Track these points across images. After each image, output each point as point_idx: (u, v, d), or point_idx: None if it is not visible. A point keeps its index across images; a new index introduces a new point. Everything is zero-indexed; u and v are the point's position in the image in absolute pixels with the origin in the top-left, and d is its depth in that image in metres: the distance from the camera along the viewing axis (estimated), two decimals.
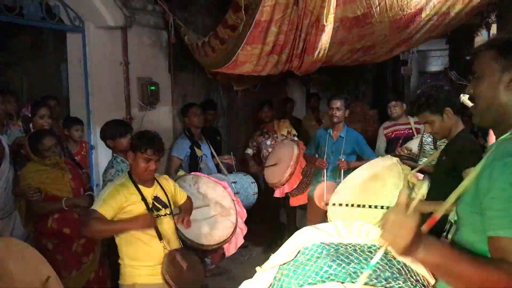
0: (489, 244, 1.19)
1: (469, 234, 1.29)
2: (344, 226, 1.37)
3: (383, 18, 3.67)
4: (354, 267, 1.23)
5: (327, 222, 3.08)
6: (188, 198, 3.24)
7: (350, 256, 1.25)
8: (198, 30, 5.06)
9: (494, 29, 6.47)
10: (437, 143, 3.89)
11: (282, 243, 1.57)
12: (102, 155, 4.34)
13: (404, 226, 1.13)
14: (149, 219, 2.77)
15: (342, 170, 4.04)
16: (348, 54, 4.40)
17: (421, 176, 3.15)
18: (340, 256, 1.25)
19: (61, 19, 4.19)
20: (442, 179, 2.68)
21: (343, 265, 1.23)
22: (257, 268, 1.36)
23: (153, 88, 4.77)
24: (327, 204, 3.85)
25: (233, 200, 3.65)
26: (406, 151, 4.18)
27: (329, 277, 1.21)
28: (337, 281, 1.19)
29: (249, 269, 1.50)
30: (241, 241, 3.58)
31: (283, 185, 4.88)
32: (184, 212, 3.12)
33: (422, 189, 1.17)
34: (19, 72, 6.18)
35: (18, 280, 1.83)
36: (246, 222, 3.72)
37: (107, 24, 4.30)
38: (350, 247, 1.29)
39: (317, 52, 3.94)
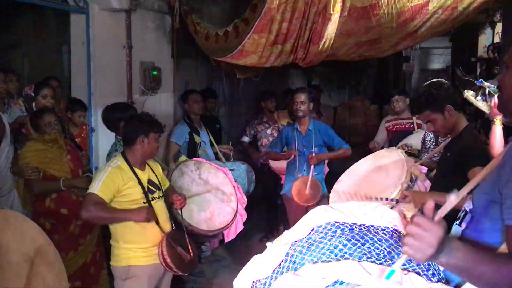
0: (507, 234, 1.17)
1: (485, 223, 1.27)
2: (359, 207, 1.36)
3: (391, 9, 3.64)
4: (369, 247, 1.21)
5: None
6: (170, 185, 3.30)
7: (365, 236, 1.24)
8: (203, 18, 5.02)
9: (499, 27, 6.46)
10: (439, 139, 3.89)
11: (280, 232, 1.56)
12: (102, 138, 4.32)
13: (430, 236, 1.10)
14: (150, 214, 2.81)
15: (313, 165, 4.05)
16: (354, 48, 4.36)
17: (425, 169, 3.15)
18: (356, 235, 1.24)
19: (65, 0, 4.14)
20: (446, 175, 2.68)
21: (358, 244, 1.22)
22: (268, 244, 1.34)
23: (155, 73, 4.74)
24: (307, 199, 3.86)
25: (234, 187, 3.64)
26: (406, 148, 4.19)
27: (344, 255, 1.20)
28: (353, 259, 1.17)
29: (245, 257, 1.48)
30: (240, 227, 3.58)
31: None
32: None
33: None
34: (20, 53, 6.12)
35: (14, 250, 1.82)
36: (246, 210, 3.72)
37: (112, 6, 4.25)
38: (364, 228, 1.28)
39: (322, 42, 3.91)
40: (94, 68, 4.32)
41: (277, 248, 1.29)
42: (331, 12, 3.60)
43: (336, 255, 1.19)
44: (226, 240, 3.60)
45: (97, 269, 3.54)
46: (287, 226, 5.40)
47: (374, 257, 1.19)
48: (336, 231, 1.25)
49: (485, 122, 3.72)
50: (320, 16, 3.72)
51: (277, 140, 4.56)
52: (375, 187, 3.05)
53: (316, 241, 1.24)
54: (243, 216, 3.60)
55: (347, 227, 1.27)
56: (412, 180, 3.01)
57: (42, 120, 3.37)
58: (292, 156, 4.25)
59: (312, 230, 1.29)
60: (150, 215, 2.81)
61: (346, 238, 1.22)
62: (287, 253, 1.26)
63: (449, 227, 1.31)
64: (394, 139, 4.70)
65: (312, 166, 4.06)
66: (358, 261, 1.16)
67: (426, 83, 2.90)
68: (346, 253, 1.19)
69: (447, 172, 2.71)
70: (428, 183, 2.99)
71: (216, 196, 3.50)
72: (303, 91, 4.28)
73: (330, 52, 4.28)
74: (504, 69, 1.36)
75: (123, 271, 2.86)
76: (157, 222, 2.88)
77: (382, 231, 1.26)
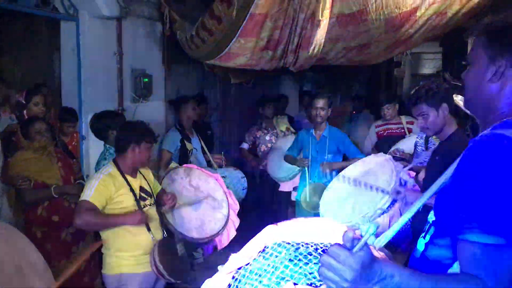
0: (458, 248, 1.10)
1: (445, 235, 1.19)
2: (310, 224, 1.32)
3: (379, 16, 3.68)
4: (312, 267, 1.16)
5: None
6: (162, 189, 3.32)
7: (309, 256, 1.19)
8: (194, 24, 5.03)
9: None
10: (429, 144, 3.91)
11: None
12: (93, 146, 4.31)
13: (344, 268, 1.01)
14: (142, 217, 2.81)
15: (328, 172, 4.01)
16: (343, 52, 4.40)
17: (413, 174, 3.17)
18: (299, 255, 1.19)
19: (56, 7, 4.14)
20: (435, 179, 2.69)
21: (301, 264, 1.16)
22: (219, 267, 1.31)
23: (146, 80, 4.75)
24: None
25: (225, 193, 3.64)
26: (398, 153, 4.21)
27: (284, 277, 1.15)
28: (292, 282, 1.13)
29: None
30: (233, 233, 3.57)
31: (291, 179, 4.88)
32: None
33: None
34: (11, 60, 6.09)
35: (6, 262, 1.80)
36: (240, 217, 3.71)
37: (102, 14, 4.27)
38: (311, 246, 1.21)
39: (312, 48, 3.94)
40: (85, 75, 4.33)
41: (224, 273, 1.27)
42: (320, 19, 3.64)
43: (276, 278, 1.15)
44: (219, 247, 3.59)
45: (91, 278, 3.52)
46: None
47: (315, 278, 1.14)
48: (281, 251, 1.21)
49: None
50: (309, 23, 3.75)
51: (293, 144, 4.52)
52: (365, 192, 3.07)
53: (260, 264, 1.21)
54: (235, 222, 3.60)
55: (293, 246, 1.23)
56: (401, 184, 3.03)
57: (32, 128, 3.37)
58: (304, 165, 4.22)
59: (260, 252, 1.27)
60: (143, 219, 2.82)
61: (289, 259, 1.18)
62: (234, 278, 1.24)
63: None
64: (384, 144, 4.73)
65: (327, 173, 4.01)
66: (295, 284, 1.13)
67: (427, 82, 2.91)
68: (287, 274, 1.16)
69: (436, 176, 2.72)
70: (417, 188, 3.01)
71: (207, 203, 3.50)
72: (322, 97, 4.19)
73: (319, 56, 4.31)
74: (468, 66, 1.31)
75: (115, 279, 2.86)
76: (149, 229, 2.89)
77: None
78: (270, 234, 1.30)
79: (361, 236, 1.04)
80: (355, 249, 1.02)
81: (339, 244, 1.04)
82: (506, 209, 1.03)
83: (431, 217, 1.30)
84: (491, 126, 1.21)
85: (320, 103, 4.13)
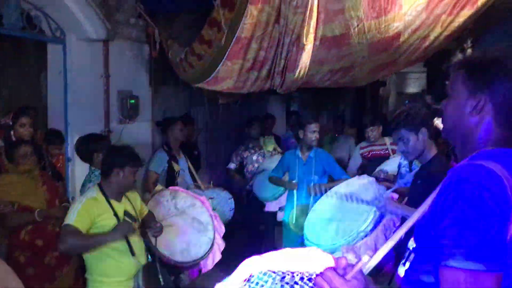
0: (441, 275, 1.11)
1: (425, 262, 1.20)
2: (295, 253, 1.33)
3: (361, 39, 3.76)
4: None
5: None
6: (149, 211, 3.28)
7: (295, 285, 1.18)
8: (183, 46, 5.08)
9: (469, 54, 6.67)
10: (412, 165, 3.96)
11: None
12: (78, 167, 4.29)
13: None
14: (128, 226, 2.79)
15: (317, 193, 4.04)
16: (328, 75, 4.47)
17: (396, 196, 3.20)
18: (285, 284, 1.19)
19: (42, 30, 4.17)
20: (417, 202, 2.73)
21: None
22: None
23: (133, 101, 4.76)
24: None
25: (211, 216, 3.64)
26: (382, 174, 4.26)
27: None
28: None
29: None
30: (218, 256, 3.56)
31: (277, 199, 4.90)
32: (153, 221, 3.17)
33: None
34: None
35: None
36: (227, 238, 3.71)
37: (89, 37, 4.30)
38: (297, 275, 1.24)
39: (298, 70, 4.00)
40: (71, 97, 4.34)
41: None
42: (305, 43, 3.70)
43: None
44: (204, 270, 3.58)
45: None
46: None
47: None
48: (268, 281, 1.22)
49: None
50: (294, 46, 3.82)
51: (278, 165, 4.53)
52: (348, 214, 3.10)
53: None
54: (220, 245, 3.59)
55: (279, 275, 1.24)
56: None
57: (17, 151, 3.34)
58: (292, 188, 4.23)
59: (245, 280, 1.27)
60: (127, 228, 2.79)
61: None
62: None
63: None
64: (369, 165, 4.77)
65: (312, 195, 4.06)
66: None
67: (405, 106, 2.97)
68: None
69: (418, 199, 2.76)
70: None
71: (193, 226, 3.50)
72: (317, 120, 4.31)
73: (306, 79, 4.38)
74: (447, 97, 1.34)
75: None
76: (133, 253, 2.86)
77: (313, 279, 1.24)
78: (256, 263, 1.30)
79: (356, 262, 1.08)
80: (348, 276, 1.06)
81: (333, 269, 1.08)
82: (484, 237, 1.06)
83: (411, 244, 1.34)
84: (469, 156, 1.25)
85: (315, 126, 4.19)
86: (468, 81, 1.25)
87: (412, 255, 1.31)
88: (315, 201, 4.04)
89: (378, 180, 3.88)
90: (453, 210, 1.10)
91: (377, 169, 4.43)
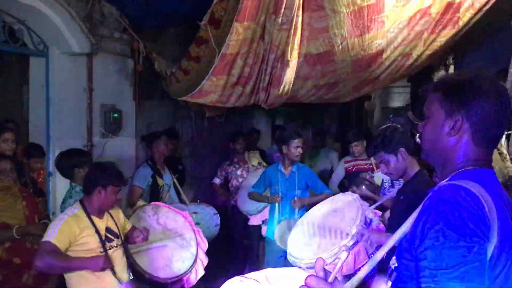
0: None
1: (407, 282, 1.22)
2: (274, 274, 1.34)
3: (345, 56, 3.79)
4: None
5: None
6: (132, 226, 3.26)
7: None
8: (166, 59, 5.08)
9: (452, 70, 6.78)
10: (394, 181, 3.99)
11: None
12: (60, 183, 4.23)
13: None
14: (106, 263, 2.76)
15: (299, 207, 4.05)
16: (313, 91, 4.50)
17: (379, 213, 3.21)
18: None
19: (25, 43, 4.13)
20: (400, 218, 2.74)
21: None
22: None
23: (116, 115, 4.73)
24: None
25: (194, 231, 3.60)
26: (368, 176, 4.29)
27: None
28: None
29: None
30: (201, 272, 3.52)
31: (260, 212, 4.88)
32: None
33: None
34: None
35: None
36: (212, 253, 3.67)
37: (73, 50, 4.27)
38: None
39: (282, 86, 4.02)
40: (53, 111, 4.30)
41: None
42: (289, 59, 3.73)
43: None
44: (186, 287, 3.53)
45: None
46: (254, 269, 5.35)
47: None
48: None
49: None
50: (279, 62, 3.84)
51: (260, 180, 4.49)
52: (331, 230, 3.10)
53: None
54: (203, 261, 3.55)
55: None
56: (367, 223, 3.07)
57: None
58: (276, 201, 4.21)
59: None
60: (107, 264, 2.76)
61: None
62: None
63: None
64: (354, 179, 4.78)
65: (296, 210, 4.06)
66: None
67: (381, 127, 3.00)
68: None
69: (401, 215, 2.77)
70: (382, 227, 3.06)
71: (175, 242, 3.46)
72: (301, 135, 4.27)
73: (290, 94, 4.40)
74: (424, 119, 1.36)
75: None
76: (114, 272, 2.82)
77: None
78: (236, 286, 1.30)
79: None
80: (330, 278, 1.10)
81: (314, 276, 1.10)
82: (465, 258, 1.07)
83: (393, 262, 1.32)
84: (449, 176, 1.26)
85: (299, 142, 4.18)
86: (444, 102, 1.28)
87: (394, 274, 1.31)
88: (300, 216, 4.05)
89: (364, 181, 3.92)
90: (433, 231, 1.11)
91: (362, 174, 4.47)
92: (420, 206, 1.22)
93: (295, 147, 4.16)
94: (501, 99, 1.24)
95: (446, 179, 1.26)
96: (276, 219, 4.21)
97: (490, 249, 1.11)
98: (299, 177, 4.22)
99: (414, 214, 1.25)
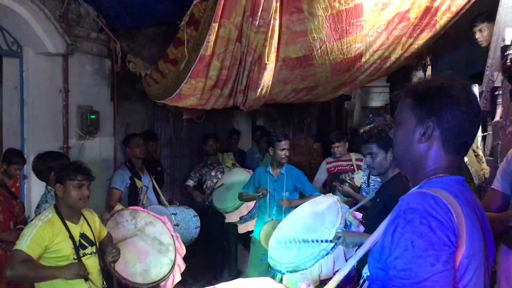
0: None
1: None
2: (247, 285, 1.33)
3: (324, 60, 3.80)
4: None
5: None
6: (108, 233, 3.17)
7: None
8: (144, 60, 5.00)
9: (429, 70, 6.87)
10: (370, 180, 4.01)
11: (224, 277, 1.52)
12: (35, 186, 4.13)
13: None
14: (82, 270, 2.69)
15: (284, 208, 4.05)
16: (293, 94, 4.50)
17: (359, 215, 3.22)
18: None
19: None
20: (376, 220, 2.75)
21: None
22: None
23: (93, 116, 4.64)
24: None
25: (173, 236, 3.56)
26: (348, 177, 4.31)
27: None
28: None
29: None
30: (178, 278, 3.49)
31: (237, 208, 4.87)
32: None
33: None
34: None
35: None
36: (190, 256, 3.63)
37: (48, 51, 4.18)
38: None
39: (259, 89, 4.01)
40: (28, 113, 4.19)
41: None
42: (266, 62, 3.71)
43: None
44: None
45: None
46: (232, 270, 5.35)
47: None
48: None
49: None
50: (256, 65, 3.82)
51: (249, 181, 4.48)
52: (311, 232, 3.11)
53: None
54: (181, 266, 3.52)
55: None
56: (347, 226, 3.09)
57: None
58: (262, 194, 4.18)
59: None
60: (82, 271, 2.69)
61: None
62: None
63: None
64: (335, 180, 4.81)
65: (283, 210, 4.05)
66: None
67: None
68: None
69: (378, 217, 2.78)
70: (362, 229, 3.07)
71: (153, 247, 3.41)
72: (287, 137, 4.26)
73: (269, 97, 4.39)
74: (396, 124, 1.35)
75: None
76: (86, 279, 2.75)
77: None
78: None
79: None
80: None
81: None
82: (433, 266, 1.08)
83: (366, 271, 1.32)
84: (419, 183, 1.27)
85: (285, 144, 4.18)
86: (415, 109, 1.28)
87: (366, 283, 1.32)
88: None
89: (343, 182, 3.93)
90: (402, 240, 1.12)
91: (342, 175, 4.50)
92: (391, 215, 1.22)
93: (281, 149, 4.17)
94: (472, 106, 1.25)
95: (416, 187, 1.26)
96: (264, 221, 4.21)
97: (459, 257, 1.12)
98: (287, 179, 4.24)
99: (385, 222, 1.25)
